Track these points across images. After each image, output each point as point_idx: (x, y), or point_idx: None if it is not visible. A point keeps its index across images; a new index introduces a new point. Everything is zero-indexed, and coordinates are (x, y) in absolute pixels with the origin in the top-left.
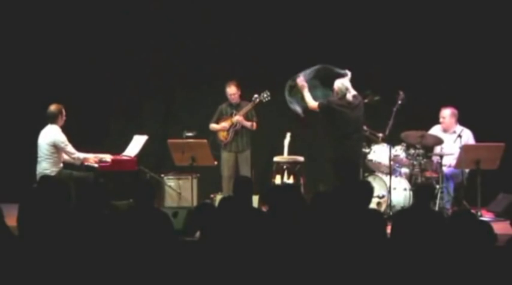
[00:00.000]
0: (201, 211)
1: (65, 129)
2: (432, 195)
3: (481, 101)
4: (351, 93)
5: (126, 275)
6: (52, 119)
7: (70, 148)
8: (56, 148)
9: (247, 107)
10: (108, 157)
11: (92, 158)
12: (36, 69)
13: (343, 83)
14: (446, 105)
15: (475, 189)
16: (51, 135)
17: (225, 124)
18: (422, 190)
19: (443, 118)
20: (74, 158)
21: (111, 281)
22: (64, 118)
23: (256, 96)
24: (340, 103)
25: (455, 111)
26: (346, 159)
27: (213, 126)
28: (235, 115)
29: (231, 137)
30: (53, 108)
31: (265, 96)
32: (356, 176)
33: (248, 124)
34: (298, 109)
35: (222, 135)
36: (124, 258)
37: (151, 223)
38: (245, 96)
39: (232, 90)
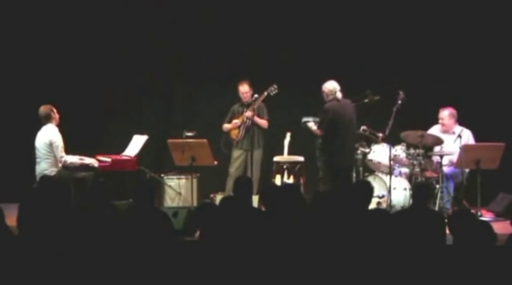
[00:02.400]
0: (201, 211)
1: (65, 129)
2: (430, 194)
3: (481, 101)
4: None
5: (127, 274)
6: (46, 119)
7: (60, 150)
8: (52, 148)
9: (259, 99)
10: (94, 162)
11: (76, 162)
12: (36, 70)
13: (332, 84)
14: (444, 106)
15: (475, 189)
16: (47, 134)
17: (236, 121)
18: (419, 189)
19: (442, 119)
20: (60, 161)
21: (111, 280)
22: (57, 116)
23: (256, 96)
24: (333, 108)
25: (454, 112)
26: (344, 164)
27: (226, 126)
28: (246, 111)
29: (242, 134)
30: (43, 108)
31: (273, 89)
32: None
33: (260, 121)
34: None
35: (233, 133)
36: (124, 258)
37: (151, 223)
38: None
39: (245, 89)
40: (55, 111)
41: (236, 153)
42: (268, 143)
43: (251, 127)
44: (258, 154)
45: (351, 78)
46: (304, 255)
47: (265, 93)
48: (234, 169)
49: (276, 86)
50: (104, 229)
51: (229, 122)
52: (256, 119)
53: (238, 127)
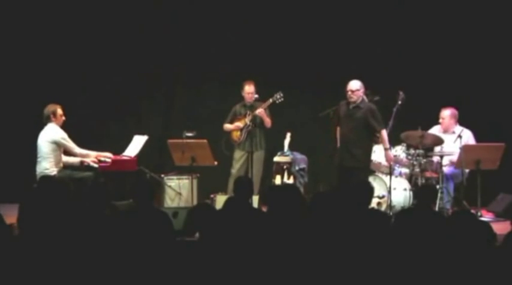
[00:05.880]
0: (197, 212)
1: (65, 129)
2: (435, 196)
3: (481, 101)
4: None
5: (126, 275)
6: (46, 119)
7: (71, 143)
8: (57, 146)
9: (265, 104)
10: (109, 156)
11: (93, 156)
12: (36, 69)
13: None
14: (446, 106)
15: (475, 189)
16: (50, 133)
17: (238, 124)
18: (424, 191)
19: (443, 118)
20: (75, 153)
21: (111, 281)
22: (62, 118)
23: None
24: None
25: (455, 112)
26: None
27: (227, 126)
28: (249, 115)
29: (244, 137)
30: (47, 108)
31: (279, 97)
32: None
33: (267, 119)
34: None
35: (235, 135)
36: (124, 258)
37: (151, 223)
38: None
39: (251, 89)
40: (60, 112)
41: (238, 154)
42: (268, 143)
43: (253, 130)
44: (259, 155)
45: (351, 79)
46: (305, 255)
47: (271, 100)
48: (236, 170)
49: (281, 94)
50: (104, 229)
51: (231, 122)
52: (265, 116)
53: (240, 129)
